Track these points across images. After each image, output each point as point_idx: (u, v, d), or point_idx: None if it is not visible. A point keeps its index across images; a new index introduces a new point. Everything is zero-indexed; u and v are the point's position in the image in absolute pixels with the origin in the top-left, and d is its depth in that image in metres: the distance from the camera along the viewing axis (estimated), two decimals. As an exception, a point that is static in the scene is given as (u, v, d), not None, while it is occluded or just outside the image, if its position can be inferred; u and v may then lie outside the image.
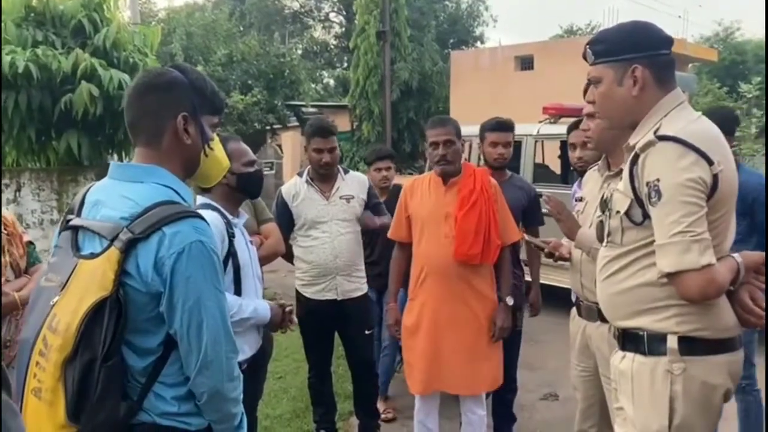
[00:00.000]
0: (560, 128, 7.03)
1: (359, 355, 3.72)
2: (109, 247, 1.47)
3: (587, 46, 1.97)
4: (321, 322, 3.59)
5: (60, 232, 1.62)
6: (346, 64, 27.51)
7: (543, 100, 7.57)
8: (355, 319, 3.62)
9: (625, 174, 1.86)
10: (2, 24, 5.51)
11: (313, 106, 19.52)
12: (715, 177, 1.71)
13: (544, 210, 2.77)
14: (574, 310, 2.83)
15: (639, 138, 1.86)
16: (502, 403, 3.80)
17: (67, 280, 1.49)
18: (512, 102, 11.48)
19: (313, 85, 24.20)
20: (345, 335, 3.72)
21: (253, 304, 2.49)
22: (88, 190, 1.65)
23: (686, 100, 1.90)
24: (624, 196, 1.87)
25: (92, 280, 1.46)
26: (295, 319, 2.65)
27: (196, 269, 1.49)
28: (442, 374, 3.19)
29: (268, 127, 18.34)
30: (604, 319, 2.54)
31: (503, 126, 3.73)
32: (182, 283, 1.47)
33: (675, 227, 1.69)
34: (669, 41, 1.91)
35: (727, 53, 21.96)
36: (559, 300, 5.10)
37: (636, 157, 1.80)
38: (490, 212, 3.13)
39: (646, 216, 1.80)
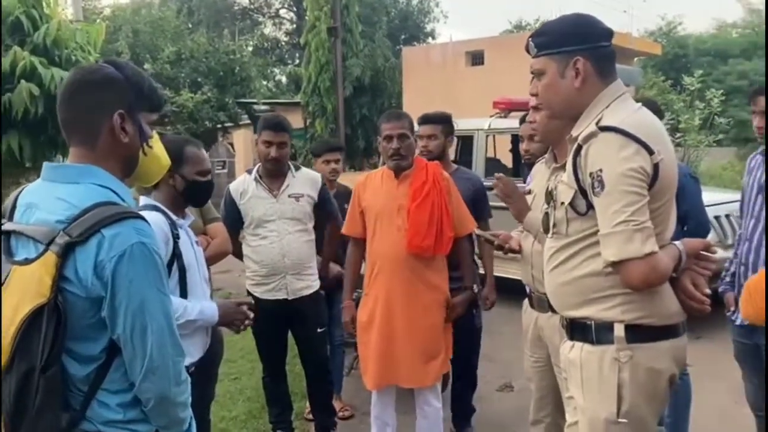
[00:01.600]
0: (511, 122, 7.12)
1: (312, 353, 3.69)
2: (45, 251, 1.41)
3: (530, 39, 1.99)
4: (273, 321, 3.54)
5: None
6: (297, 61, 27.32)
7: (494, 95, 7.64)
8: (307, 318, 3.59)
9: (569, 165, 1.88)
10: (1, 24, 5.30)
11: (264, 103, 19.31)
12: (655, 166, 1.74)
13: (494, 194, 2.77)
14: (526, 301, 2.86)
15: (581, 129, 1.88)
16: (463, 395, 3.84)
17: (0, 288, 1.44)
18: (464, 97, 11.57)
19: (264, 83, 23.99)
20: (297, 334, 3.69)
21: (199, 306, 2.44)
22: (19, 193, 1.58)
23: (627, 92, 1.93)
24: (568, 187, 1.89)
25: (28, 286, 1.40)
26: (251, 314, 2.57)
27: (139, 272, 1.44)
28: (396, 368, 3.19)
29: (219, 126, 18.08)
30: (555, 310, 2.58)
31: (426, 119, 3.71)
32: (124, 287, 1.43)
33: (618, 217, 1.72)
34: (609, 33, 1.93)
35: (671, 47, 22.56)
36: (513, 292, 5.16)
37: (579, 148, 1.82)
38: (443, 204, 3.14)
39: (590, 207, 1.82)
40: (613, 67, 1.94)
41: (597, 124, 1.80)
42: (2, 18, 5.66)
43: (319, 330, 3.64)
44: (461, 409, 3.88)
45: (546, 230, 2.02)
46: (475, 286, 3.33)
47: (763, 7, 24.63)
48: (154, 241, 1.51)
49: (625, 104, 1.89)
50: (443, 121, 3.72)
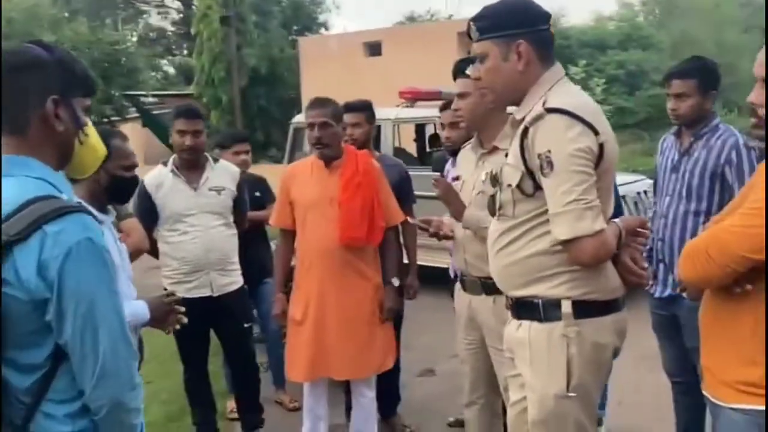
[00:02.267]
0: (417, 112, 7.20)
1: (239, 349, 3.59)
2: None
3: (471, 22, 1.99)
4: (195, 320, 3.35)
5: None
6: (186, 52, 26.38)
7: (393, 85, 7.71)
8: (233, 314, 3.48)
9: (516, 147, 1.90)
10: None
11: (154, 95, 18.54)
12: (601, 146, 1.80)
13: (430, 193, 2.78)
14: (458, 285, 2.89)
15: (525, 112, 1.91)
16: (388, 383, 3.83)
17: None
18: (363, 87, 11.51)
19: (152, 74, 23.00)
20: (222, 331, 3.56)
21: (128, 305, 2.28)
22: None
23: (566, 75, 1.98)
24: (515, 169, 1.91)
25: None
26: (182, 309, 2.38)
27: (88, 270, 1.32)
28: (329, 361, 3.15)
29: (105, 119, 17.16)
30: (489, 292, 2.63)
31: (349, 108, 3.64)
32: (72, 287, 1.30)
33: (568, 196, 1.76)
34: (547, 17, 1.98)
35: (556, 38, 23.49)
36: (426, 279, 5.23)
37: (526, 130, 1.85)
38: (373, 194, 3.12)
39: (537, 187, 1.86)
40: (552, 51, 1.98)
41: (543, 106, 1.83)
42: None
43: (245, 325, 3.54)
44: (387, 396, 3.88)
45: (492, 213, 2.04)
46: (395, 279, 3.31)
47: (632, 0, 26.33)
48: (101, 237, 1.39)
49: (567, 87, 1.94)
50: (366, 108, 3.70)
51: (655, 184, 3.11)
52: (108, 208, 2.44)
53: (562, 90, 1.91)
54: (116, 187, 2.41)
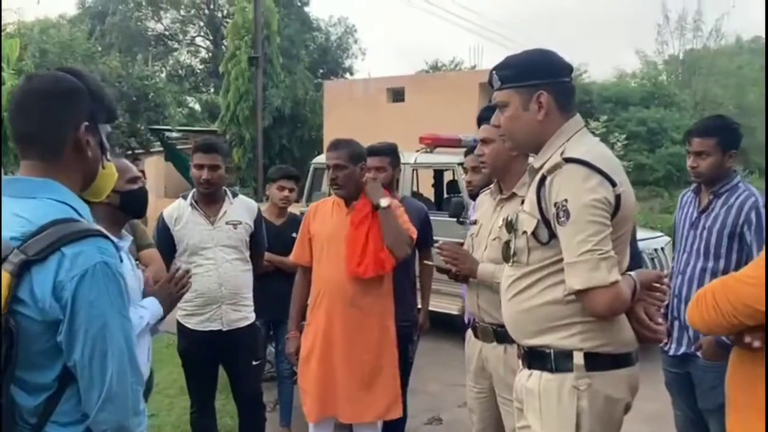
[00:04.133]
0: (436, 157, 7.26)
1: (246, 387, 3.55)
2: None
3: (493, 72, 2.03)
4: (205, 354, 3.39)
5: None
6: (213, 89, 26.90)
7: (414, 131, 7.78)
8: (242, 350, 3.45)
9: (532, 195, 1.91)
10: None
11: (179, 130, 18.84)
12: (617, 197, 1.80)
13: (447, 238, 2.80)
14: (469, 331, 2.86)
15: (543, 161, 1.93)
16: (394, 430, 3.77)
17: None
18: (385, 131, 11.61)
19: (179, 109, 23.42)
20: (231, 367, 3.54)
21: (142, 308, 2.32)
22: None
23: (585, 126, 1.99)
24: (530, 216, 1.92)
25: None
26: (185, 274, 2.46)
27: (101, 293, 1.34)
28: (336, 400, 3.12)
29: (129, 152, 17.44)
30: (500, 340, 2.60)
31: (373, 151, 3.64)
32: (85, 309, 1.32)
33: (583, 246, 1.75)
34: (570, 68, 2.01)
35: (577, 93, 23.66)
36: (436, 325, 5.19)
37: (543, 178, 1.86)
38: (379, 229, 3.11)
39: (552, 236, 1.86)
40: (573, 102, 2.00)
41: (561, 155, 1.84)
42: None
43: (253, 363, 3.51)
44: (394, 443, 3.81)
45: (506, 259, 2.04)
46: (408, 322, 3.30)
47: (656, 59, 26.53)
48: (117, 261, 1.41)
49: (586, 138, 1.95)
50: (390, 153, 3.71)
51: (673, 240, 3.09)
52: (123, 233, 2.48)
53: (581, 141, 1.93)
54: (129, 202, 2.45)
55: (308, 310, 3.23)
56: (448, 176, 8.04)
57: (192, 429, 3.62)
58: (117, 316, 1.38)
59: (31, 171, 1.44)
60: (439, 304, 5.81)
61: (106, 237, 1.41)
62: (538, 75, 1.94)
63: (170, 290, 2.43)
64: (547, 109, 1.93)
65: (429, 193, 8.39)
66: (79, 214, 1.43)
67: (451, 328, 6.03)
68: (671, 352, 2.94)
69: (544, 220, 1.87)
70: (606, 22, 56.40)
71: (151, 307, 2.33)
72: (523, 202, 2.04)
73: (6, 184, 1.43)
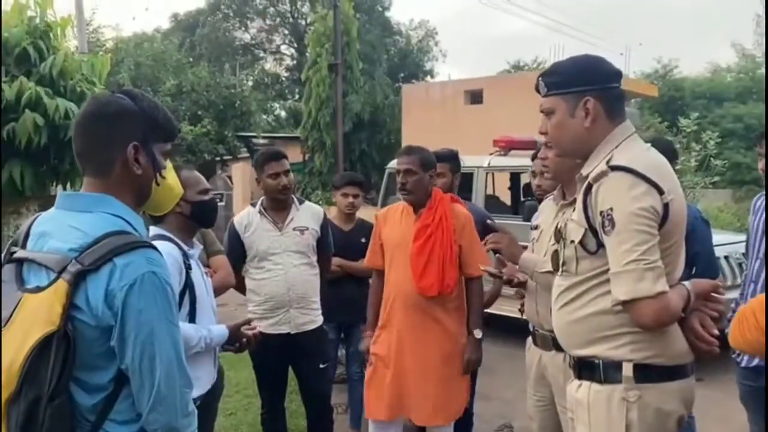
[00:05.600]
0: (510, 160, 7.17)
1: (313, 389, 3.65)
2: (56, 279, 1.41)
3: (540, 78, 2.01)
4: (274, 356, 3.51)
5: (2, 266, 1.55)
6: (297, 96, 27.57)
7: (492, 133, 7.71)
8: (310, 353, 3.55)
9: (579, 204, 1.88)
10: None
11: (264, 137, 19.46)
12: (665, 206, 1.75)
13: (523, 243, 2.81)
14: (529, 339, 2.84)
15: (591, 168, 1.89)
16: (462, 432, 3.77)
17: (11, 315, 1.42)
18: (462, 134, 11.67)
19: (264, 116, 24.17)
20: (299, 370, 3.64)
21: (212, 328, 2.46)
22: (33, 221, 1.58)
23: (635, 133, 1.95)
24: (578, 225, 1.89)
25: (38, 314, 1.39)
26: (253, 334, 2.59)
27: (149, 301, 1.44)
28: (410, 403, 3.17)
29: (218, 158, 18.16)
30: (559, 348, 2.56)
31: (435, 157, 3.70)
32: (134, 316, 1.42)
33: (629, 255, 1.72)
34: (618, 75, 1.96)
35: (666, 89, 22.81)
36: (512, 330, 5.13)
37: (589, 187, 1.83)
38: (448, 243, 3.12)
39: (600, 245, 1.83)
40: (622, 108, 1.96)
41: (608, 163, 1.81)
42: (10, 50, 5.72)
43: (321, 366, 3.61)
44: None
45: (555, 268, 2.02)
46: (477, 331, 3.27)
47: (755, 52, 25.11)
48: (165, 271, 1.50)
49: (635, 144, 1.91)
50: (450, 158, 3.72)
51: (747, 246, 2.95)
52: (194, 242, 2.61)
53: (629, 147, 1.88)
54: (199, 212, 2.61)
55: (381, 312, 3.29)
56: (524, 179, 7.92)
57: (262, 429, 3.75)
58: (164, 323, 1.47)
59: (89, 187, 1.57)
60: (512, 309, 5.73)
61: (155, 248, 1.50)
62: (584, 81, 1.91)
63: (239, 333, 2.57)
64: (594, 116, 1.90)
65: (506, 196, 8.30)
66: (133, 227, 1.53)
67: (525, 332, 5.94)
68: (743, 364, 2.81)
69: (591, 229, 1.84)
70: (698, 15, 53.91)
71: (219, 332, 2.48)
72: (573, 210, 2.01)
73: (67, 198, 1.56)
